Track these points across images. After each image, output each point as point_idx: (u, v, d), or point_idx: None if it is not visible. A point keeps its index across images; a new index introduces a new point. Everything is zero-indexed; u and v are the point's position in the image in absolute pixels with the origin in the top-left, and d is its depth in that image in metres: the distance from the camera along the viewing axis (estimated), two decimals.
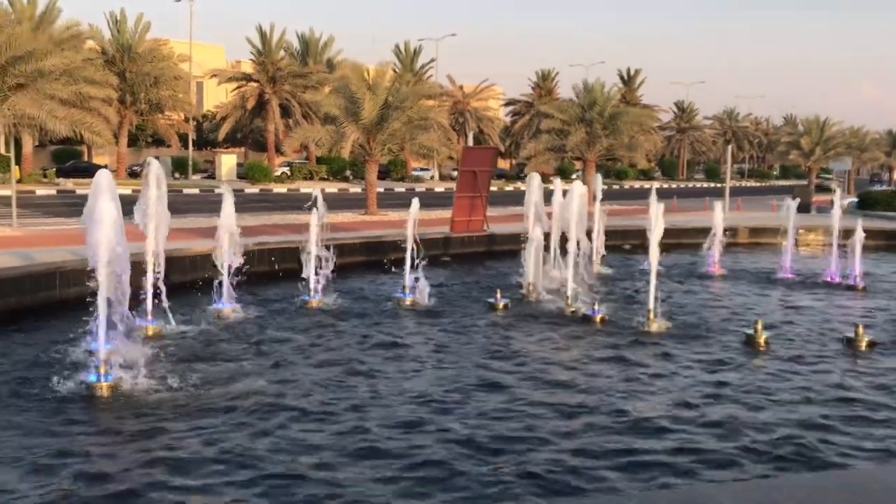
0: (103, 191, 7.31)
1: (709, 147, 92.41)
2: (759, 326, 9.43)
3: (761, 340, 9.32)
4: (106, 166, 53.15)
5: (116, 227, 7.30)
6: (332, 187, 52.59)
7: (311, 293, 11.28)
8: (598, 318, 10.56)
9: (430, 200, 37.54)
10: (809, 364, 8.62)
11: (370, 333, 9.73)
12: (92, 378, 7.13)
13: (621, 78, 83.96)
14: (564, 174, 73.58)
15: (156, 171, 9.32)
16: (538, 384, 7.66)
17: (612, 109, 39.38)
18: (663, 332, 9.97)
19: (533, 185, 13.99)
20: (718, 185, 66.11)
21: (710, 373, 8.19)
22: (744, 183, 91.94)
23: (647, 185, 75.22)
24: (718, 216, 15.95)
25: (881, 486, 3.52)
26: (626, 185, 74.49)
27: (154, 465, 5.47)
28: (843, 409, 7.04)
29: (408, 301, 11.50)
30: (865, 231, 14.78)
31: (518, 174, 71.73)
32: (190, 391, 7.18)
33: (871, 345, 9.33)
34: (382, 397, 7.13)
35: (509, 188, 62.80)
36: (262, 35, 57.61)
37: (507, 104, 79.72)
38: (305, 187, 50.42)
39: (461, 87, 71.76)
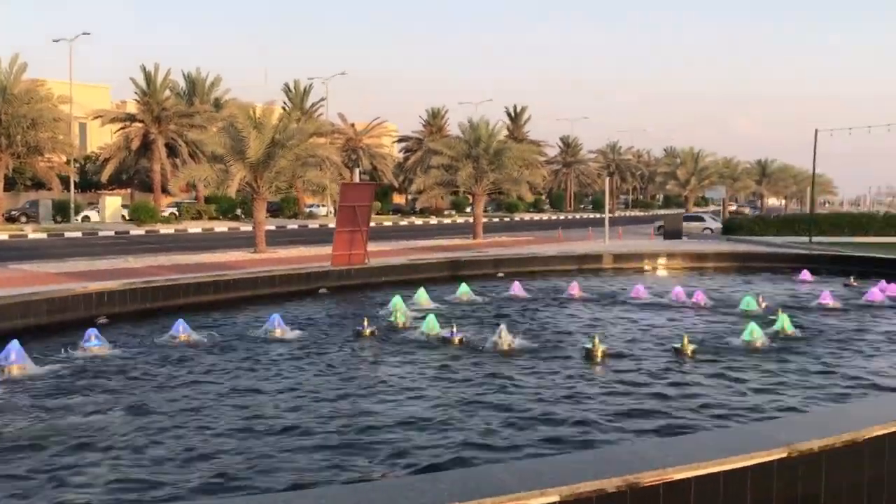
0: None
1: (594, 179, 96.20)
2: (597, 341, 10.37)
3: (598, 353, 10.23)
4: None
5: None
6: (223, 226, 52.13)
7: (181, 328, 11.53)
8: (456, 339, 11.27)
9: (324, 237, 37.88)
10: (632, 371, 9.60)
11: (237, 364, 10.10)
12: None
13: (508, 115, 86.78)
14: (458, 208, 75.23)
15: None
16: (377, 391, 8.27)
17: (497, 146, 40.95)
18: (513, 349, 10.79)
19: None
20: (603, 215, 69.04)
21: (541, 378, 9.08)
22: (628, 213, 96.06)
23: (535, 216, 77.69)
24: (580, 245, 17.06)
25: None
26: (517, 217, 76.60)
27: None
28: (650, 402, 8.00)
29: (276, 332, 11.90)
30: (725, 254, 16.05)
31: (412, 209, 72.80)
32: (42, 425, 7.41)
33: (695, 353, 10.40)
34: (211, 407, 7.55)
35: (403, 223, 63.72)
36: (147, 75, 56.92)
37: (400, 140, 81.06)
38: (193, 227, 49.84)
39: (353, 125, 72.59)
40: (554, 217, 77.85)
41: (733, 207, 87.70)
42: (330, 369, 9.90)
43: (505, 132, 70.08)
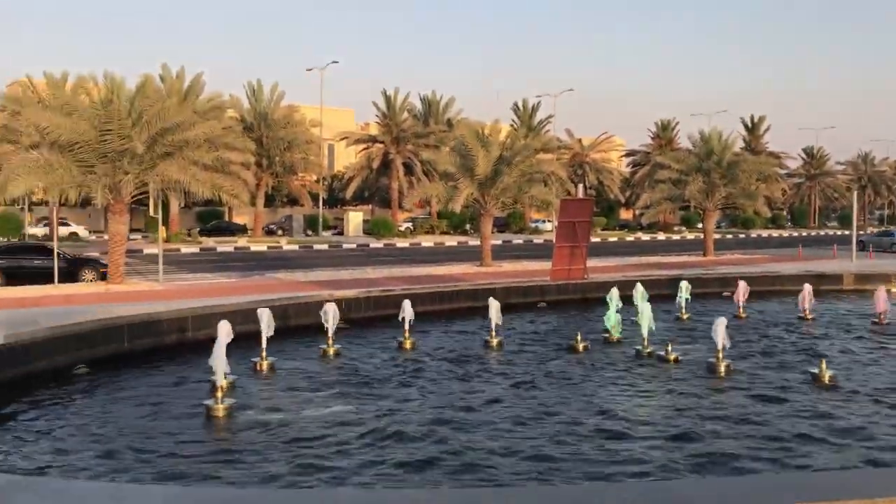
0: None
1: (842, 193, 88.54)
2: (824, 365, 9.84)
3: (825, 378, 9.71)
4: (245, 226, 57.28)
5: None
6: (453, 240, 54.31)
7: (406, 335, 12.43)
8: (671, 357, 11.17)
9: (548, 252, 38.39)
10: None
11: (454, 370, 10.76)
12: (209, 402, 8.51)
13: (745, 125, 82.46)
14: (689, 223, 72.62)
15: None
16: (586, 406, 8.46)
17: (731, 158, 39.27)
18: (730, 370, 10.50)
19: None
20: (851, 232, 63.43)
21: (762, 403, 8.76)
22: (883, 229, 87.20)
23: (774, 233, 72.99)
24: (820, 265, 16.07)
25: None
26: (753, 233, 72.44)
27: (230, 460, 6.71)
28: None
29: (494, 342, 12.46)
30: None
31: (639, 225, 71.39)
32: (283, 415, 8.43)
33: None
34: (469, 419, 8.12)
35: (629, 238, 62.70)
36: (387, 99, 60.79)
37: (627, 155, 79.79)
38: (426, 241, 52.41)
39: (580, 140, 72.58)
40: (795, 234, 72.73)
41: None
42: (548, 381, 10.23)
43: (740, 144, 66.83)
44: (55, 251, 25.26)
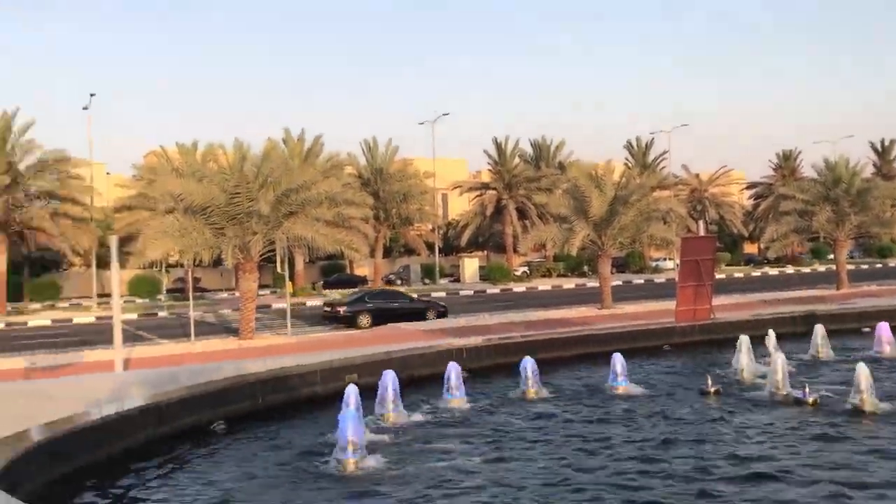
0: None
1: None
2: None
3: None
4: (365, 277, 58.65)
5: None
6: (570, 283, 53.76)
7: (529, 383, 12.37)
8: (809, 399, 10.63)
9: (670, 291, 37.40)
10: None
11: (579, 420, 10.60)
12: (342, 456, 8.73)
13: (874, 150, 78.30)
14: (818, 255, 69.16)
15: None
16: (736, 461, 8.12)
17: (860, 185, 37.48)
18: (876, 412, 9.88)
19: None
20: None
21: None
22: None
23: None
24: None
25: None
26: (891, 262, 68.15)
27: None
28: None
29: (619, 389, 12.21)
30: None
31: (765, 259, 68.60)
32: (411, 469, 8.53)
33: None
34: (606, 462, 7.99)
35: (756, 273, 60.26)
36: (498, 146, 61.44)
37: (749, 187, 77.12)
38: (543, 284, 52.09)
39: (697, 175, 70.84)
40: None
41: None
42: (679, 427, 9.93)
43: (870, 169, 63.44)
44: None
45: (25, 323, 36.56)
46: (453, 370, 11.95)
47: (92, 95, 46.00)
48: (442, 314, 30.65)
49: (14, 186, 39.19)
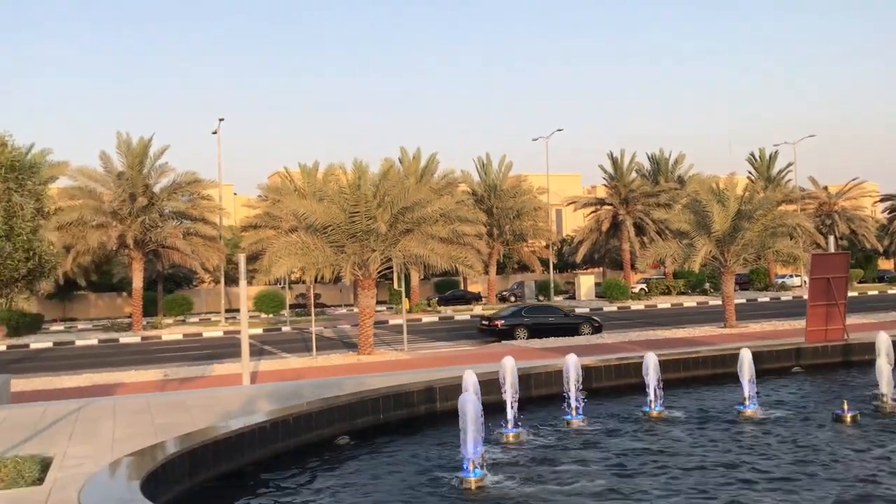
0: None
1: None
2: None
3: None
4: (479, 294, 58.93)
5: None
6: (691, 301, 52.20)
7: (652, 405, 12.06)
8: None
9: (797, 309, 35.74)
10: None
11: (706, 443, 10.23)
12: (464, 474, 8.75)
13: None
14: None
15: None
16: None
17: None
18: None
19: None
20: None
21: None
22: None
23: None
24: None
25: None
26: None
27: None
28: None
29: (747, 412, 11.72)
30: None
31: None
32: (531, 489, 8.45)
33: None
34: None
35: (892, 291, 56.74)
36: (614, 161, 60.54)
37: (883, 200, 72.81)
38: (662, 302, 50.78)
39: (825, 188, 67.54)
40: None
41: None
42: (814, 455, 9.45)
43: None
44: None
45: (159, 337, 38.64)
46: (571, 389, 11.81)
47: (221, 120, 48.37)
48: (597, 329, 30.88)
49: (150, 207, 41.63)
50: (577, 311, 37.79)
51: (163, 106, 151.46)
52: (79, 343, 37.36)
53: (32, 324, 42.81)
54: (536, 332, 29.86)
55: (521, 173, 58.46)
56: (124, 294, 56.86)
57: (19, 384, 19.67)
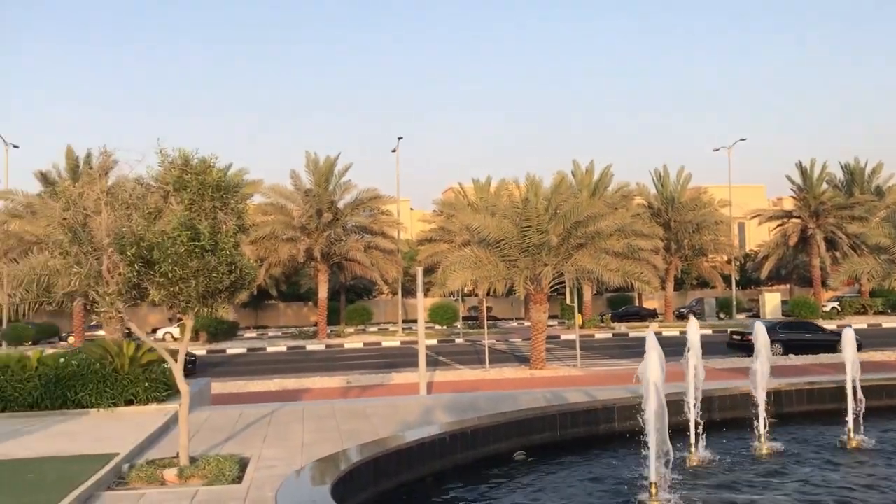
0: (651, 348, 8.91)
1: None
2: None
3: None
4: (655, 311, 57.32)
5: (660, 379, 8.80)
6: (890, 321, 48.04)
7: (850, 433, 11.18)
8: None
9: None
10: None
11: None
12: (643, 497, 8.50)
13: None
14: None
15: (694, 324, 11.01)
16: None
17: None
18: None
19: None
20: None
21: None
22: None
23: None
24: None
25: None
26: None
27: None
28: None
29: None
30: None
31: None
32: None
33: None
34: None
35: None
36: (803, 171, 56.93)
37: None
38: (857, 322, 47.06)
39: None
40: None
41: None
42: None
43: None
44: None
45: (342, 345, 40.50)
46: (761, 413, 11.17)
47: (399, 139, 50.14)
48: (858, 347, 29.30)
49: (335, 222, 43.85)
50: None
51: (345, 124, 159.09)
52: (269, 349, 39.87)
53: (229, 331, 46.18)
54: (791, 348, 29.06)
55: (701, 185, 56.25)
56: (310, 304, 60.11)
57: (217, 387, 21.23)
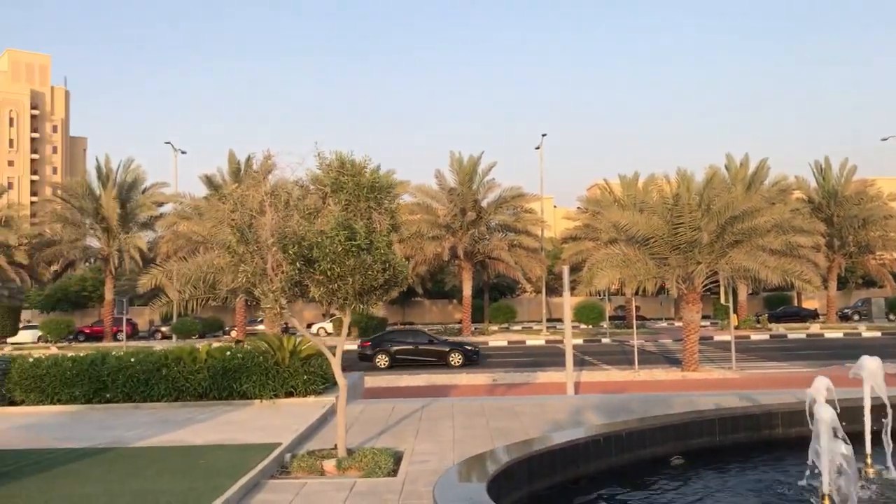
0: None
1: None
2: None
3: None
4: (816, 310, 54.11)
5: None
6: None
7: None
8: None
9: None
10: None
11: None
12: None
13: None
14: None
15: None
16: None
17: None
18: None
19: None
20: None
21: None
22: None
23: None
24: None
25: None
26: None
27: None
28: None
29: None
30: None
31: None
32: None
33: None
34: None
35: None
36: None
37: None
38: None
39: None
40: None
41: None
42: None
43: None
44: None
45: (486, 343, 40.68)
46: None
47: (543, 136, 49.80)
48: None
49: (478, 221, 44.16)
50: None
51: (490, 120, 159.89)
52: None
53: (378, 327, 47.46)
54: None
55: (867, 177, 52.48)
56: (454, 301, 60.87)
57: (368, 381, 21.84)
